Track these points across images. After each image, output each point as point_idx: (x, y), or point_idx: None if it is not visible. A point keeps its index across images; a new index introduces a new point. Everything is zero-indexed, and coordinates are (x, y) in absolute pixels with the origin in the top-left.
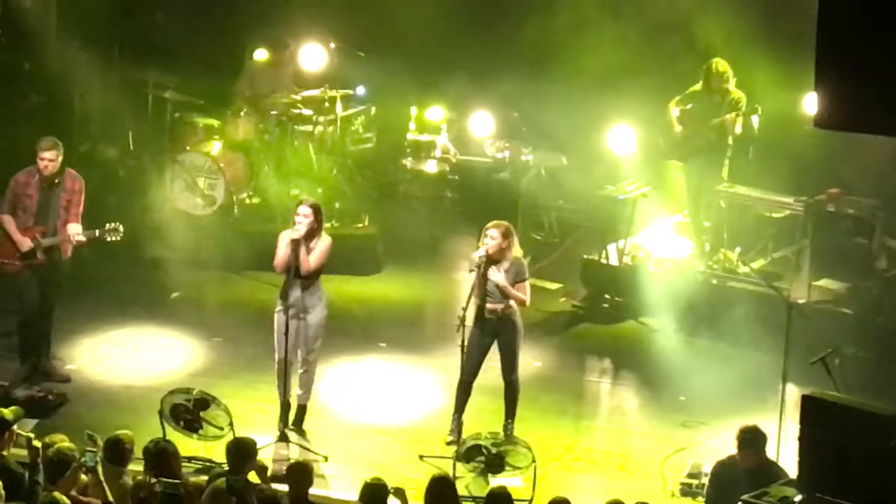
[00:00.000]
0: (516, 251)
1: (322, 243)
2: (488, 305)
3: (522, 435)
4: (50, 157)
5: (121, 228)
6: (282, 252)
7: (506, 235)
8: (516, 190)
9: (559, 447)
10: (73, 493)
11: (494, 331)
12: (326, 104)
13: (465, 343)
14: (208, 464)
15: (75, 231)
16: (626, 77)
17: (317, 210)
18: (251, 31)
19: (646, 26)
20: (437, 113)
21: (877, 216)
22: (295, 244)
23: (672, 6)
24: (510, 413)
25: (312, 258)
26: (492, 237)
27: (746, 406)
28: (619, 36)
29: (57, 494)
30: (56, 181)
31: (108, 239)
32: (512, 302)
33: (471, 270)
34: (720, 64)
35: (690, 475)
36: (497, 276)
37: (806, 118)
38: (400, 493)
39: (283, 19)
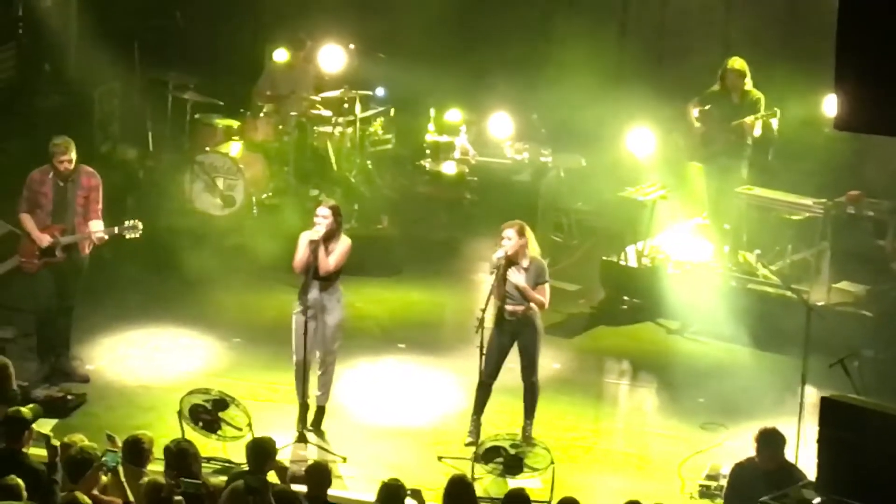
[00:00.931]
0: (534, 249)
1: (341, 245)
2: (508, 307)
3: (541, 436)
4: (68, 159)
5: (139, 226)
6: (301, 253)
7: (521, 233)
8: (535, 191)
9: (578, 448)
10: (94, 492)
11: (514, 332)
12: (346, 105)
13: (485, 344)
14: (227, 464)
15: (98, 228)
16: (645, 78)
17: (336, 212)
18: (271, 32)
19: (666, 26)
20: (454, 115)
21: (889, 219)
22: (313, 245)
23: (694, 6)
24: (529, 414)
25: (331, 259)
26: (508, 237)
27: (765, 408)
28: (640, 35)
29: (78, 494)
30: (71, 178)
31: (127, 236)
32: (532, 304)
33: (491, 272)
34: (737, 62)
35: (709, 477)
36: (517, 277)
37: (826, 120)
38: (417, 494)
39: (302, 20)
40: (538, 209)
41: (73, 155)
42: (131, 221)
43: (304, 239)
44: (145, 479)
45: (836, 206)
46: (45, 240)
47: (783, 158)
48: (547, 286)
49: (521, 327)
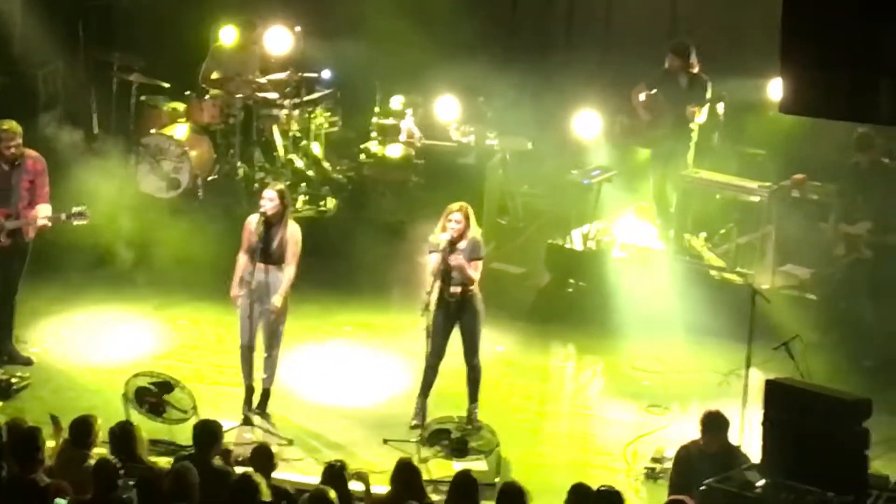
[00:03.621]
0: (475, 228)
1: (291, 236)
2: (451, 289)
3: (486, 419)
4: (15, 144)
5: (87, 212)
6: (248, 240)
7: (467, 217)
8: (481, 175)
9: (523, 431)
10: (41, 474)
11: (456, 314)
12: (291, 88)
13: (430, 326)
14: (173, 447)
15: (46, 212)
16: (592, 61)
17: (282, 195)
18: (217, 13)
19: (613, 9)
20: (397, 101)
21: (832, 202)
22: (259, 229)
23: None
24: (473, 397)
25: (289, 270)
26: (456, 221)
27: (710, 391)
28: (586, 19)
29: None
30: (17, 163)
31: (75, 223)
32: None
33: (430, 252)
34: (683, 44)
35: (654, 459)
36: (458, 258)
37: (771, 104)
38: (362, 476)
39: (249, 2)
40: (484, 192)
41: (20, 139)
42: (79, 208)
43: (250, 224)
44: (91, 461)
45: (780, 190)
46: None
47: (728, 142)
48: (480, 263)
49: (462, 309)
